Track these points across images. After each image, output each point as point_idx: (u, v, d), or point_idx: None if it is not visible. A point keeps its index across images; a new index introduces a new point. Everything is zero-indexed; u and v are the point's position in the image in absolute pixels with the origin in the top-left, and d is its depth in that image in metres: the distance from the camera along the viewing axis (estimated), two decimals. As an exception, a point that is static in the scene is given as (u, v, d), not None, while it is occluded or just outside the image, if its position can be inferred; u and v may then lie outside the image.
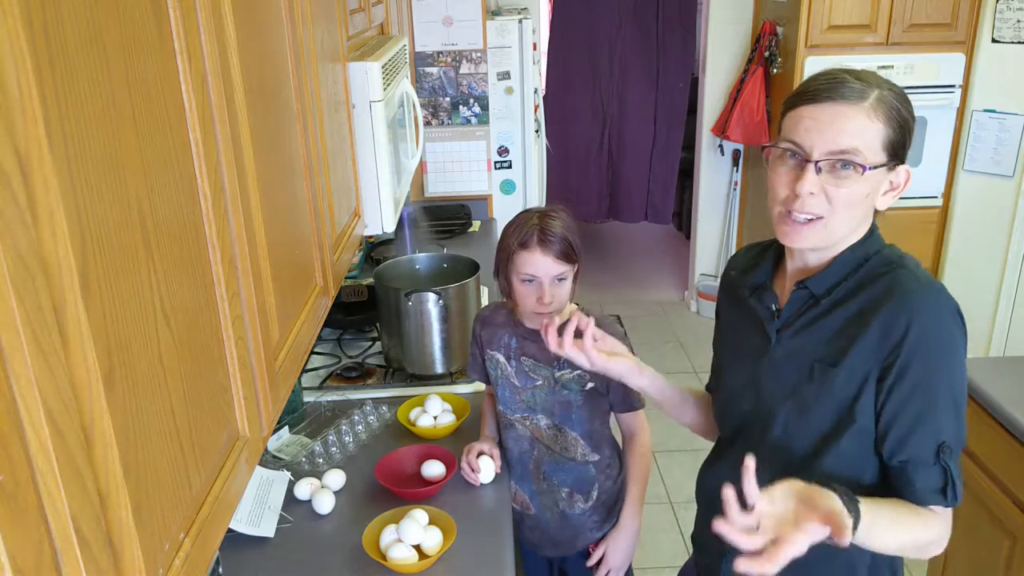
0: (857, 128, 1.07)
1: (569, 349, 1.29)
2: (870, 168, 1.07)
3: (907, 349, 1.07)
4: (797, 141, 1.09)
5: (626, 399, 1.69)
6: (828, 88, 1.08)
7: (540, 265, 1.58)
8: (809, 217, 1.10)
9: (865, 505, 1.02)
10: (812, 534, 0.94)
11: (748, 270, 1.30)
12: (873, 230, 1.18)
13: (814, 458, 1.17)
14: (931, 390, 1.08)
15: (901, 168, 1.13)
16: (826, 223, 1.11)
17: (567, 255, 1.58)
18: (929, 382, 1.08)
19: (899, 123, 1.10)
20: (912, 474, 1.11)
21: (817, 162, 1.07)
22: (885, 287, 1.11)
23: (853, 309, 1.13)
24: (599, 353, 1.30)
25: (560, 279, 1.60)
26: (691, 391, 1.47)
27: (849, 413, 1.13)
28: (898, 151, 1.11)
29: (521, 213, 1.66)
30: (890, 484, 1.15)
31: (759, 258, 1.31)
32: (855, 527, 0.99)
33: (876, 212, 1.17)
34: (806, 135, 1.08)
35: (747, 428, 1.27)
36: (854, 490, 1.12)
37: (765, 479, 1.23)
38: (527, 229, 1.59)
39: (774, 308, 1.23)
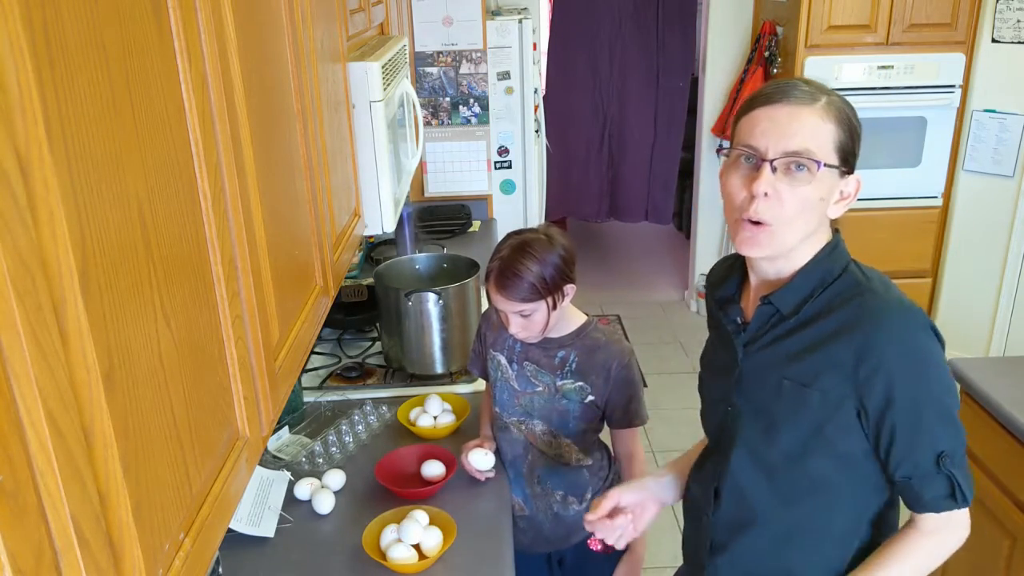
0: (810, 128, 1.08)
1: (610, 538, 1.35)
2: (824, 165, 1.08)
3: (885, 375, 1.07)
4: (752, 144, 1.10)
5: (625, 416, 1.68)
6: (780, 91, 1.10)
7: (498, 302, 1.59)
8: (763, 221, 1.10)
9: None
10: None
11: (718, 283, 1.31)
12: (837, 243, 1.18)
13: (786, 474, 1.19)
14: (919, 408, 1.09)
15: (851, 177, 1.13)
16: (778, 229, 1.10)
17: (527, 297, 1.55)
18: (915, 401, 1.09)
19: (849, 128, 1.11)
20: (918, 488, 1.12)
21: (772, 161, 1.08)
22: (854, 311, 1.11)
23: (824, 331, 1.12)
24: (633, 529, 1.35)
25: (524, 314, 1.58)
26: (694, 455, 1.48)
27: (820, 435, 1.13)
28: (848, 158, 1.11)
29: (507, 235, 1.63)
30: (900, 500, 1.18)
31: (730, 270, 1.31)
32: None
33: (834, 223, 1.18)
34: (761, 137, 1.09)
35: (721, 441, 1.28)
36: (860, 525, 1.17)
37: (727, 499, 1.26)
38: (493, 262, 1.58)
39: (739, 322, 1.23)
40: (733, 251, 1.23)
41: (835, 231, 1.19)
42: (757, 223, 1.10)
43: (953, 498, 1.11)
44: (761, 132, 1.09)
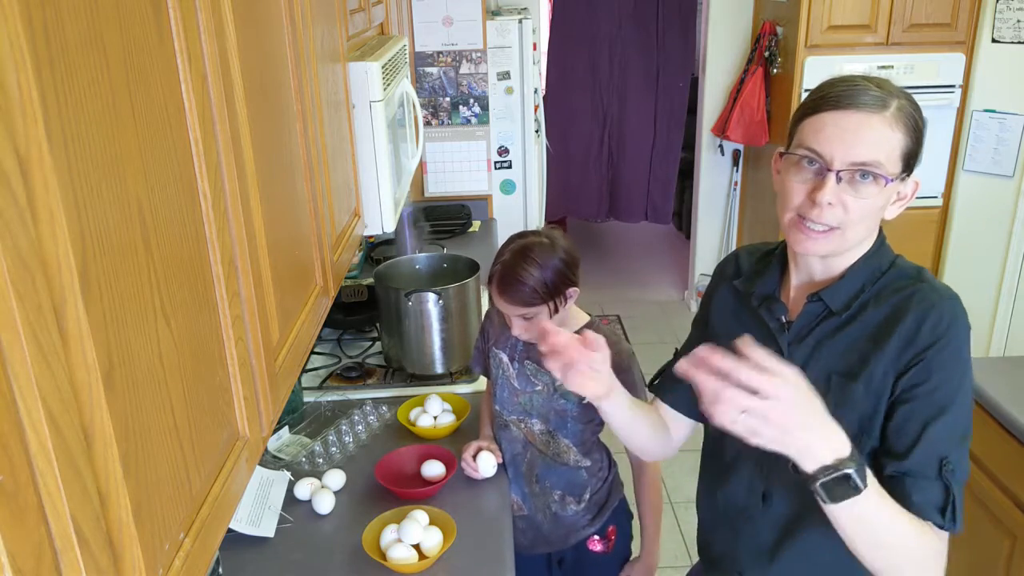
0: (879, 138, 1.04)
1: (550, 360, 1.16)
2: (892, 180, 1.06)
3: (928, 359, 1.05)
4: (817, 149, 1.06)
5: None
6: (849, 95, 1.05)
7: (500, 305, 1.59)
8: (825, 228, 1.08)
9: (873, 482, 0.97)
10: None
11: (752, 278, 1.27)
12: (883, 240, 1.17)
13: None
14: (942, 402, 1.06)
15: (910, 179, 1.11)
16: (843, 233, 1.08)
17: (529, 301, 1.55)
18: (942, 394, 1.06)
19: (915, 133, 1.08)
20: (910, 487, 1.05)
21: (839, 172, 1.05)
22: (906, 299, 1.09)
23: (872, 323, 1.11)
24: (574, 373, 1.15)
25: (526, 317, 1.59)
26: (654, 422, 1.35)
27: (868, 429, 1.10)
28: (911, 162, 1.09)
29: (510, 238, 1.63)
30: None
31: (762, 264, 1.27)
32: (856, 486, 0.94)
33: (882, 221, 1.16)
34: (827, 143, 1.05)
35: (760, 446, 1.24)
36: None
37: (782, 497, 1.20)
38: (496, 266, 1.58)
39: (783, 320, 1.19)
40: (736, 248, 1.21)
41: (879, 228, 1.17)
42: (824, 229, 1.08)
43: (942, 513, 1.03)
44: (827, 138, 1.05)
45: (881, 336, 1.09)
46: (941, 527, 1.04)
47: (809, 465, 0.94)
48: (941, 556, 1.05)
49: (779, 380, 0.91)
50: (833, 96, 1.07)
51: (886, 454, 1.09)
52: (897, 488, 1.06)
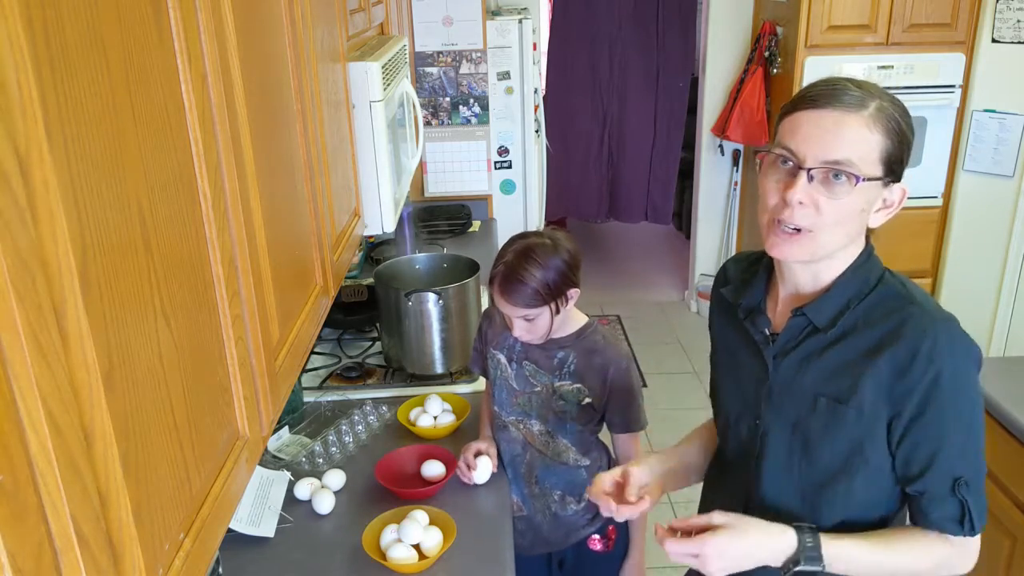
0: (854, 137, 1.02)
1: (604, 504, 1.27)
2: (864, 180, 1.03)
3: (924, 391, 1.04)
4: (791, 148, 1.05)
5: (625, 420, 1.68)
6: (828, 94, 1.04)
7: (502, 306, 1.59)
8: (797, 228, 1.06)
9: (831, 542, 1.08)
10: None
11: (740, 288, 1.25)
12: (870, 252, 1.14)
13: (821, 491, 1.15)
14: (946, 429, 1.06)
15: (896, 186, 1.09)
16: (815, 236, 1.06)
17: (531, 303, 1.55)
18: (944, 423, 1.05)
19: (898, 136, 1.05)
20: (927, 506, 1.10)
21: (810, 170, 1.03)
22: (898, 325, 1.07)
23: (863, 345, 1.08)
24: (625, 507, 1.25)
25: (528, 318, 1.58)
26: (699, 447, 1.42)
27: (861, 452, 1.10)
28: (894, 166, 1.06)
29: (512, 239, 1.63)
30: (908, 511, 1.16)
31: (748, 273, 1.26)
32: (810, 562, 1.06)
33: (869, 230, 1.14)
34: (802, 142, 1.04)
35: (746, 454, 1.24)
36: (864, 526, 1.14)
37: (769, 507, 1.22)
38: (498, 266, 1.58)
39: (768, 333, 1.18)
40: (738, 248, 1.21)
41: (866, 239, 1.15)
42: (795, 231, 1.06)
43: (960, 524, 1.08)
44: (803, 137, 1.04)
45: (872, 362, 1.07)
46: (961, 534, 1.10)
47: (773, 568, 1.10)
48: (961, 557, 1.12)
49: (702, 540, 1.08)
50: (812, 95, 1.06)
51: (902, 476, 1.12)
52: (915, 505, 1.13)
